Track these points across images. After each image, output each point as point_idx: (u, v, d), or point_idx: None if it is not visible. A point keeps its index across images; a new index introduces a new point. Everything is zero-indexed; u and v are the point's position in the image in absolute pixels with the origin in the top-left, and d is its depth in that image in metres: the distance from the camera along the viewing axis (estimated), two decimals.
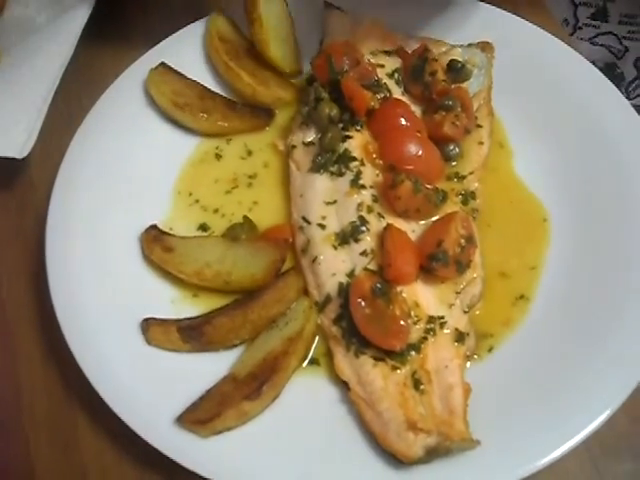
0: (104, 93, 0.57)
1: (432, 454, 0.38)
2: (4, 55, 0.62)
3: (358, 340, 0.42)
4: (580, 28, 0.73)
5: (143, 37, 0.64)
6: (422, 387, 0.40)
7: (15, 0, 0.67)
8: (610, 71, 0.73)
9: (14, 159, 0.54)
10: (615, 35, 0.72)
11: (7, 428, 0.45)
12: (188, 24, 0.61)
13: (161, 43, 0.59)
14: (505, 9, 0.60)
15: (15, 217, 0.57)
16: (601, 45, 0.74)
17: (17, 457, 0.44)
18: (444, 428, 0.38)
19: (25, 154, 0.53)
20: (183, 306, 0.46)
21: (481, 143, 0.51)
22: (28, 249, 0.54)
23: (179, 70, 0.57)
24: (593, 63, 0.64)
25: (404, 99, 0.53)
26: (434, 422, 0.39)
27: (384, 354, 0.42)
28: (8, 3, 0.69)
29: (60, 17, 0.63)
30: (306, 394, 0.43)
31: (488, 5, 0.59)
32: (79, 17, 0.62)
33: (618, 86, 0.66)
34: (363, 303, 0.42)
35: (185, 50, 0.58)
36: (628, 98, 0.67)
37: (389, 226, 0.45)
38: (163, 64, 0.56)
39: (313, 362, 0.44)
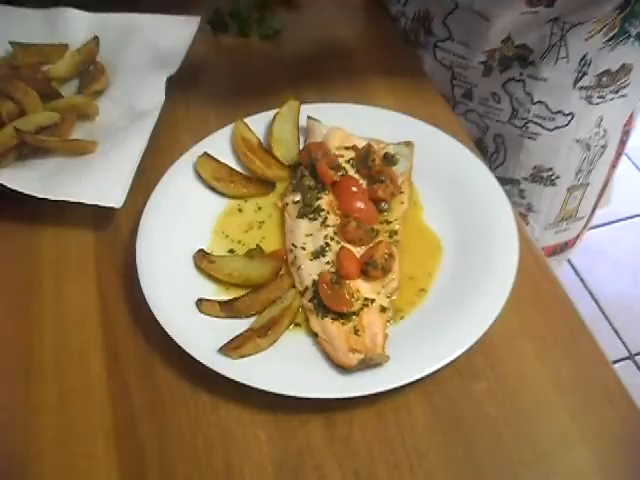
0: (166, 171, 0.79)
1: (362, 363, 0.62)
2: (100, 144, 0.84)
3: (323, 309, 0.67)
4: (457, 103, 0.92)
5: (189, 135, 0.85)
6: (359, 333, 0.64)
7: (104, 111, 0.90)
8: (479, 145, 0.90)
9: (112, 208, 0.76)
10: (477, 113, 0.90)
11: (108, 374, 0.67)
12: (220, 128, 0.84)
13: (204, 140, 0.82)
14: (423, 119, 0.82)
15: (107, 248, 0.77)
16: (471, 121, 0.92)
17: (118, 383, 0.66)
18: (370, 351, 0.63)
19: (120, 205, 0.75)
20: (220, 295, 0.70)
21: (402, 202, 0.76)
22: (120, 267, 0.74)
23: (216, 157, 0.80)
24: (469, 137, 0.85)
25: (355, 176, 0.77)
26: (365, 348, 0.63)
27: (338, 316, 0.66)
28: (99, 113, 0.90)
29: (134, 123, 0.85)
30: (293, 340, 0.67)
31: (410, 118, 0.82)
32: (148, 123, 0.84)
33: (485, 157, 0.87)
34: (326, 287, 0.67)
35: (219, 144, 0.82)
36: (490, 168, 0.83)
37: (342, 247, 0.70)
38: (205, 153, 0.80)
39: (297, 325, 0.68)
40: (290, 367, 0.63)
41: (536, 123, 0.87)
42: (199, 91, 0.96)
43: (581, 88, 0.83)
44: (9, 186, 0.74)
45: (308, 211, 0.73)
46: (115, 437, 0.64)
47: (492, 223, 0.74)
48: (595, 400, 0.62)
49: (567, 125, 0.86)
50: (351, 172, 0.77)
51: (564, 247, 1.05)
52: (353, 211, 0.72)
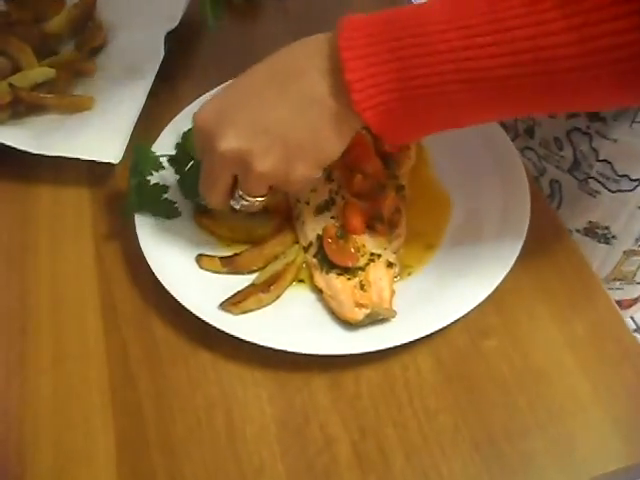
0: (166, 127, 0.76)
1: (369, 318, 0.59)
2: (97, 100, 0.83)
3: (327, 264, 0.64)
4: (518, 136, 0.84)
5: (189, 91, 0.81)
6: (365, 288, 0.62)
7: (102, 68, 0.88)
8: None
9: (109, 164, 0.74)
10: (536, 153, 0.83)
11: (105, 332, 0.66)
12: (221, 84, 0.75)
13: (204, 96, 0.78)
14: None
15: (105, 205, 0.75)
16: (528, 159, 0.85)
17: (115, 340, 0.65)
18: (377, 306, 0.60)
19: (118, 161, 0.74)
20: (222, 251, 0.68)
21: (409, 157, 0.73)
22: (117, 223, 0.72)
23: None
24: None
25: (362, 131, 0.77)
26: (371, 303, 0.61)
27: (343, 271, 0.64)
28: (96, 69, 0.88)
29: (132, 80, 0.84)
30: (297, 296, 0.65)
31: None
32: (147, 79, 0.83)
33: None
34: (330, 241, 0.65)
35: None
36: None
37: (348, 201, 0.68)
38: None
39: (301, 281, 0.66)
40: (293, 323, 0.61)
41: (598, 181, 0.79)
42: (201, 48, 0.94)
43: None
44: (3, 142, 0.72)
45: None
46: (112, 395, 0.62)
47: (502, 177, 0.72)
48: (610, 358, 0.60)
49: (632, 190, 0.77)
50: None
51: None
52: (359, 164, 0.68)
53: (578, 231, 0.86)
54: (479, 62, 0.44)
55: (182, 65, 0.91)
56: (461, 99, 0.47)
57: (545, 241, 0.70)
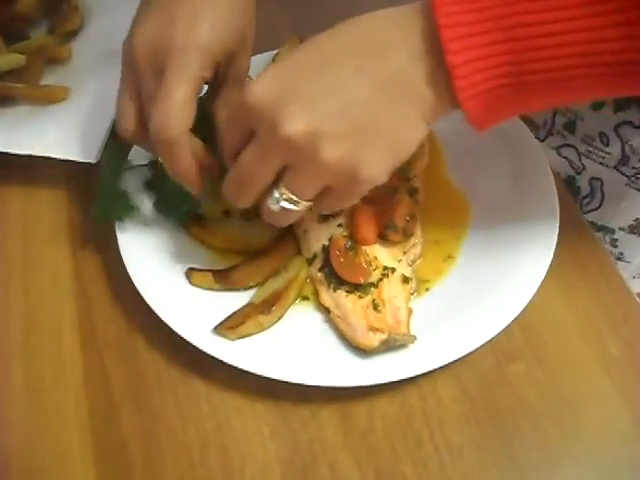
0: None
1: (385, 344, 0.53)
2: (73, 90, 0.76)
3: (335, 280, 0.58)
4: (552, 134, 0.78)
5: None
6: (379, 308, 0.56)
7: (77, 55, 0.81)
8: (570, 184, 0.79)
9: (87, 163, 0.67)
10: (576, 150, 0.78)
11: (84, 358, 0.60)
12: None
13: None
14: None
15: (83, 211, 0.69)
16: (564, 157, 0.79)
17: (95, 367, 0.58)
18: (393, 330, 0.54)
19: (96, 160, 0.67)
20: (215, 264, 0.61)
21: (423, 155, 0.67)
22: (97, 232, 0.65)
23: None
24: (558, 174, 0.72)
25: None
26: (387, 327, 0.54)
27: (353, 288, 0.57)
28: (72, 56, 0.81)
29: (111, 68, 0.77)
30: (301, 316, 0.58)
31: None
32: None
33: (575, 199, 0.77)
34: (339, 254, 0.58)
35: None
36: (581, 211, 0.76)
37: (357, 207, 0.60)
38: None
39: (305, 298, 0.60)
40: (298, 349, 0.56)
41: None
42: None
43: None
44: None
45: None
46: (92, 432, 0.56)
47: (526, 178, 0.65)
48: None
49: None
50: None
51: None
52: None
53: (622, 229, 0.81)
54: (608, 45, 0.39)
55: None
56: (579, 85, 0.41)
57: (574, 253, 0.64)
